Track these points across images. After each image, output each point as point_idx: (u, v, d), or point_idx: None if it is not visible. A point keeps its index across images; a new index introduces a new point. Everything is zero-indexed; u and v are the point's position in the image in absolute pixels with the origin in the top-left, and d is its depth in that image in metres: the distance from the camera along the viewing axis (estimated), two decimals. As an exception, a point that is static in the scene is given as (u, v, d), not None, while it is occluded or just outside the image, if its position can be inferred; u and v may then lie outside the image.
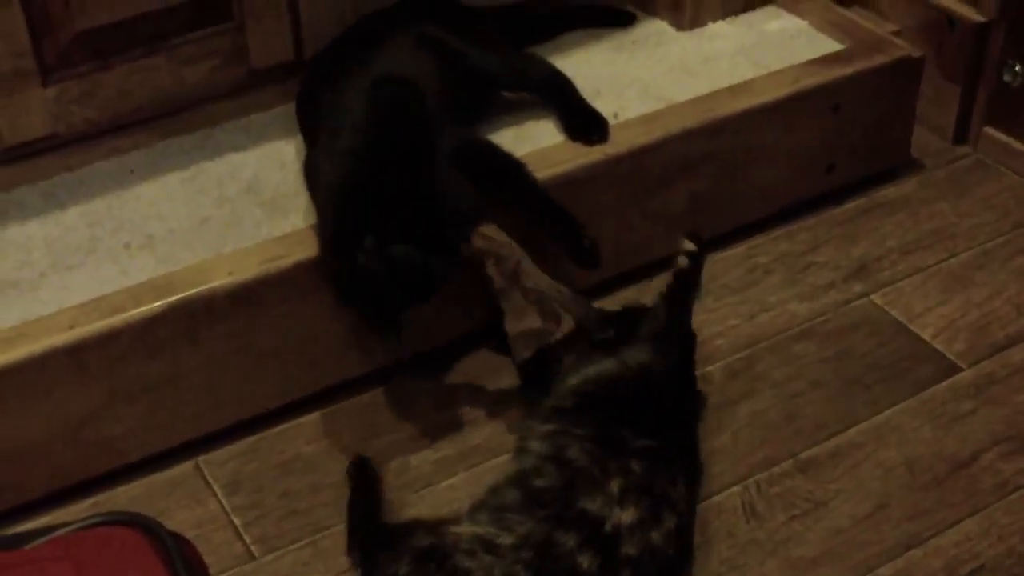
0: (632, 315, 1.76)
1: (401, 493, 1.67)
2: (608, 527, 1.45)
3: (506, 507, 1.48)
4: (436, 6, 2.00)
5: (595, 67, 2.08)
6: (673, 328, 1.70)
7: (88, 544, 1.25)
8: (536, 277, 1.72)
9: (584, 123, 1.93)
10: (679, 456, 1.58)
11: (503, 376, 1.82)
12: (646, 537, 1.46)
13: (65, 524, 1.29)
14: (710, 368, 1.85)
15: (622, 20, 2.21)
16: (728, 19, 2.22)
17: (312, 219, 1.76)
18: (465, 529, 1.46)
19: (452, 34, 1.91)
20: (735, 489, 1.67)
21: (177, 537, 1.30)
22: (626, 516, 1.46)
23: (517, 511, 1.47)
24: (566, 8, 2.19)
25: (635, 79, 2.06)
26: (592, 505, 1.46)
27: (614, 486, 1.48)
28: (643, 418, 1.58)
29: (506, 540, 1.43)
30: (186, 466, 1.72)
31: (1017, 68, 2.17)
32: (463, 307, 1.82)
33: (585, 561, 1.42)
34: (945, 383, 1.83)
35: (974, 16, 2.20)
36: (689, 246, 1.73)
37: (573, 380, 1.65)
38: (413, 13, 1.95)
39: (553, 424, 1.58)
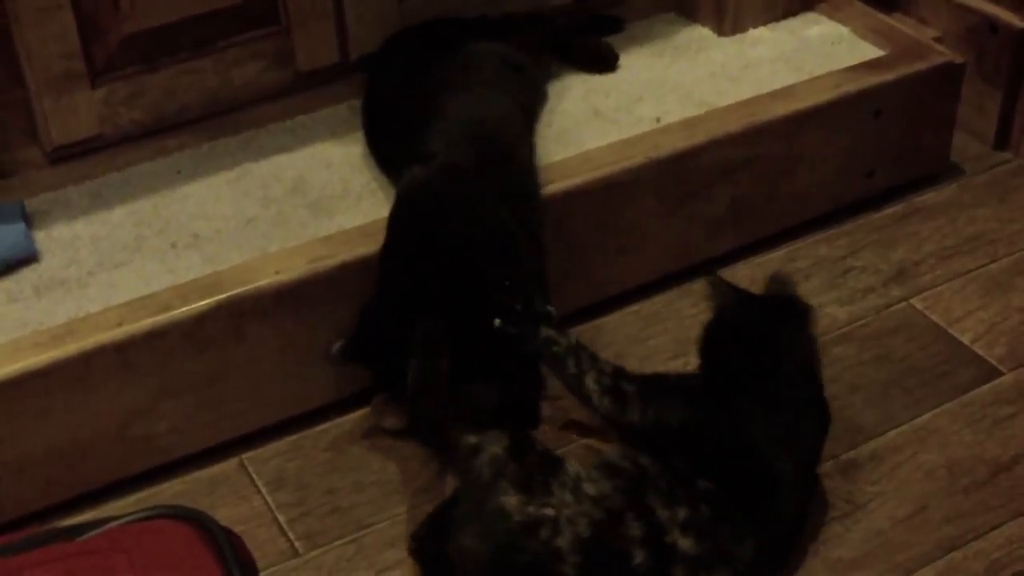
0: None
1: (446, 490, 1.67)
2: (668, 539, 1.42)
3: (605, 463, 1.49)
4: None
5: (637, 72, 2.09)
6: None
7: (141, 537, 1.27)
8: None
9: (593, 53, 2.10)
10: (750, 513, 1.50)
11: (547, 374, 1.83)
12: (698, 574, 1.43)
13: (117, 517, 1.31)
14: (750, 371, 1.85)
15: (611, 27, 2.20)
16: (769, 25, 2.22)
17: (357, 220, 1.78)
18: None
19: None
20: (776, 491, 1.68)
21: (228, 532, 1.31)
22: (684, 543, 1.42)
23: (605, 474, 1.47)
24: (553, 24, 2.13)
25: (677, 84, 2.07)
26: (660, 511, 1.43)
27: (680, 512, 1.44)
28: (700, 459, 1.54)
29: (590, 489, 1.44)
30: (230, 463, 1.73)
31: (1059, 74, 2.18)
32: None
33: (638, 556, 1.40)
34: (985, 387, 1.83)
35: (1016, 22, 2.20)
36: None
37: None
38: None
39: (627, 442, 1.56)
